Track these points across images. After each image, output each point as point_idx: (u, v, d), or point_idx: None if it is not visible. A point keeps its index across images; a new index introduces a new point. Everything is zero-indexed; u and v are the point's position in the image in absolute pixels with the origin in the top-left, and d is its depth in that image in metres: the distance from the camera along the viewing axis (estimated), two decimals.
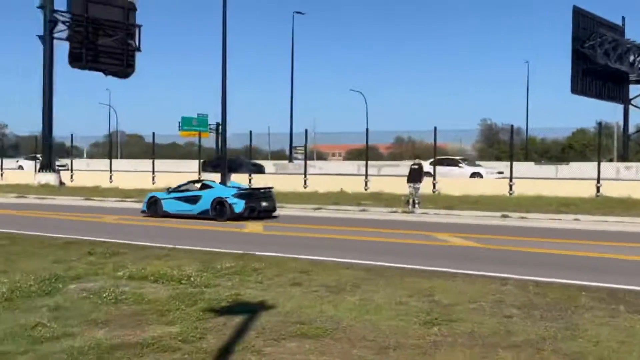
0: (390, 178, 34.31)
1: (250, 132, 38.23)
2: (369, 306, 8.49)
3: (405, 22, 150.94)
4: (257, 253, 13.13)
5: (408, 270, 11.28)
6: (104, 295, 9.03)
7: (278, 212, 23.02)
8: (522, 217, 21.56)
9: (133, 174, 41.53)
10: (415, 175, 25.37)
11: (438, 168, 31.90)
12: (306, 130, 37.79)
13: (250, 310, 8.20)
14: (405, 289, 9.54)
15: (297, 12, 58.58)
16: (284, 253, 13.33)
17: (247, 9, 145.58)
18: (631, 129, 59.00)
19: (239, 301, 8.79)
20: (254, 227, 19.63)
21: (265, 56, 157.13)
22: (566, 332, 7.27)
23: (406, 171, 26.31)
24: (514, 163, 31.81)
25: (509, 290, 9.49)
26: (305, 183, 33.54)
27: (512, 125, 36.71)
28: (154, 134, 41.79)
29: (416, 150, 54.77)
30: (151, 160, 40.31)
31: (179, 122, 62.39)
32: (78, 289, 9.57)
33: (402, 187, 27.24)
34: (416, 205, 24.52)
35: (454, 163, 38.27)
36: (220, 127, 40.07)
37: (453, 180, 32.54)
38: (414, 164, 25.95)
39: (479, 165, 40.54)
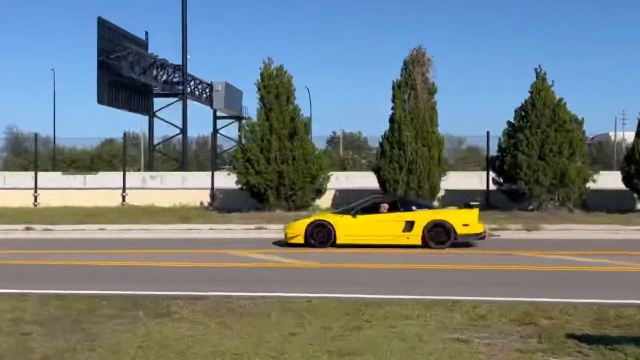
0: None
1: None
2: None
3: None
4: None
5: None
6: None
7: None
8: (47, 229, 20.92)
9: None
10: None
11: None
12: None
13: None
14: None
15: None
16: None
17: None
18: (156, 139, 62.19)
19: None
20: None
21: None
22: (86, 342, 7.23)
23: None
24: (41, 173, 30.83)
25: (29, 306, 9.07)
26: None
27: (36, 134, 35.88)
28: None
29: None
30: None
31: None
32: None
33: None
34: None
35: None
36: None
37: None
38: None
39: None
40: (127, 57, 49.27)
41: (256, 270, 13.57)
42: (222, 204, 26.26)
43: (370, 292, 10.19)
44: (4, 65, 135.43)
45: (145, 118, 59.60)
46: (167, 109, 60.14)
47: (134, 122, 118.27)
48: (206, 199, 27.77)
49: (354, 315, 8.50)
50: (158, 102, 60.02)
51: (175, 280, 12.18)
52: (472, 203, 17.48)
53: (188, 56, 55.37)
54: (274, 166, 23.85)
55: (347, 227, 16.65)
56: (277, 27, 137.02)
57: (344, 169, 48.17)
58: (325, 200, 25.58)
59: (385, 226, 16.60)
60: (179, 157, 61.74)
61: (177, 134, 60.29)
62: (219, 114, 67.68)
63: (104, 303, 9.26)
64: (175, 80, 56.73)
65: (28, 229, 20.94)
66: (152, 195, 28.86)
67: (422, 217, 16.51)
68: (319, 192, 25.01)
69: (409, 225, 16.41)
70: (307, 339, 7.33)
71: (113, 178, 32.77)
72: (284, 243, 16.94)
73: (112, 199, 28.19)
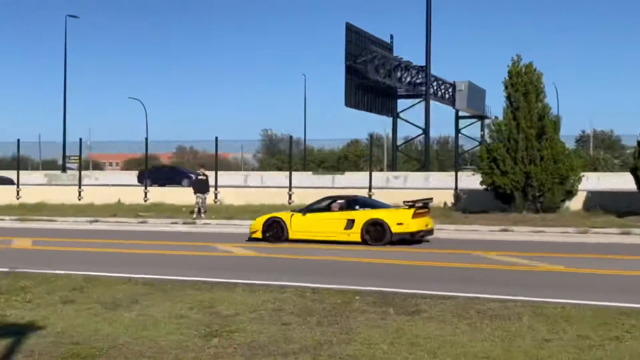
0: (171, 188, 33.82)
1: (19, 140, 35.69)
2: (147, 321, 8.24)
3: (174, 31, 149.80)
4: (25, 270, 12.27)
5: (189, 283, 11.13)
6: None
7: (51, 225, 21.76)
8: None
9: None
10: (202, 186, 25.48)
11: None
12: (80, 139, 36.20)
13: (18, 332, 7.61)
14: (185, 302, 9.40)
15: (70, 16, 55.57)
16: (56, 269, 12.57)
17: (19, 10, 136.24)
18: (399, 140, 63.29)
19: (6, 323, 8.15)
20: (22, 242, 18.33)
21: (35, 60, 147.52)
22: (341, 336, 7.56)
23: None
24: (294, 173, 32.73)
25: (287, 298, 9.70)
26: (80, 194, 31.91)
27: (291, 137, 37.90)
28: None
29: (198, 160, 54.59)
30: None
31: None
32: None
33: (183, 197, 26.95)
34: (202, 215, 24.53)
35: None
36: None
37: (238, 190, 32.78)
38: (200, 175, 25.98)
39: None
40: (372, 60, 50.59)
41: (509, 273, 13.24)
42: (465, 205, 26.00)
43: (629, 301, 9.51)
44: (260, 72, 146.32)
45: (388, 119, 60.84)
46: (409, 110, 60.92)
47: (377, 123, 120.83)
48: (449, 199, 27.60)
49: (612, 324, 7.99)
50: (401, 104, 61.01)
51: (422, 279, 12.32)
52: (406, 202, 17.99)
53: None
54: (520, 166, 23.13)
55: (297, 224, 17.99)
56: (522, 22, 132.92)
57: (595, 169, 45.48)
58: (575, 202, 24.28)
59: (330, 224, 17.80)
60: (420, 157, 62.16)
61: (419, 135, 60.80)
62: (461, 113, 67.17)
63: (356, 298, 9.62)
64: (418, 81, 57.21)
65: None
66: (396, 195, 29.32)
67: (361, 216, 17.53)
68: (569, 194, 23.82)
69: (350, 224, 17.49)
70: (563, 346, 7.02)
71: (358, 177, 33.91)
72: (534, 246, 16.39)
73: None
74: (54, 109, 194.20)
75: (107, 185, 38.71)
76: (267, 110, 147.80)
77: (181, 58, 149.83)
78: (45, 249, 17.20)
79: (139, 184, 34.93)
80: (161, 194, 30.84)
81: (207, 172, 26.62)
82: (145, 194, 31.00)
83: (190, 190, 26.28)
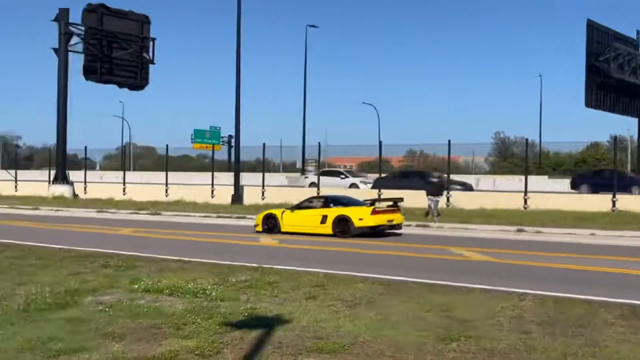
0: (402, 191, 34.18)
1: (264, 144, 38.24)
2: (386, 321, 8.42)
3: (419, 35, 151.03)
4: (272, 266, 13.11)
5: (425, 285, 11.19)
6: (120, 308, 9.01)
7: None
8: (538, 232, 21.40)
9: (146, 186, 41.61)
10: (436, 189, 25.64)
11: (324, 178, 36.96)
12: (319, 143, 37.94)
13: (266, 324, 8.14)
14: (422, 304, 9.46)
15: (311, 26, 58.65)
16: (299, 266, 13.29)
17: (260, 19, 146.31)
18: None
19: (255, 315, 8.74)
20: (268, 240, 19.63)
21: (277, 68, 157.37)
22: (587, 348, 7.17)
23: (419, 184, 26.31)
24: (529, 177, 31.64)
25: (527, 306, 9.39)
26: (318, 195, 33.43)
27: (527, 139, 36.24)
28: (167, 146, 41.98)
29: (428, 164, 54.80)
30: (164, 173, 40.42)
31: (192, 135, 62.65)
32: (94, 302, 9.54)
33: (415, 199, 27.14)
34: (435, 219, 24.62)
35: (336, 174, 42.67)
36: (233, 139, 40.13)
37: (468, 194, 32.41)
38: (434, 178, 26.13)
39: (359, 177, 43.53)
40: (616, 58, 47.42)
41: None
42: None
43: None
44: (493, 73, 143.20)
45: (632, 120, 56.56)
46: None
47: (616, 125, 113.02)
48: None
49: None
50: None
51: None
52: (366, 200, 21.60)
53: None
54: None
55: (287, 219, 21.56)
56: None
57: None
58: None
59: (310, 219, 21.08)
60: None
61: None
62: None
63: (601, 310, 9.06)
64: None
65: (519, 230, 21.70)
66: None
67: (332, 212, 20.76)
68: None
69: (324, 219, 20.69)
70: None
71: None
72: None
73: (599, 204, 27.49)
74: (294, 113, 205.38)
75: (342, 187, 40.12)
76: (499, 113, 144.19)
77: (412, 61, 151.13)
78: (289, 247, 18.22)
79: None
80: (392, 196, 31.27)
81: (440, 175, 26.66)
82: (379, 196, 31.68)
83: (422, 193, 26.51)
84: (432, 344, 7.37)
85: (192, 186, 39.32)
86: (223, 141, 64.38)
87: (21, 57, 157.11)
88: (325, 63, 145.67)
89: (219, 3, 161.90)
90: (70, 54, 41.69)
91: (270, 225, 21.71)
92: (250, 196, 35.03)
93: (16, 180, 45.97)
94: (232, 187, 35.64)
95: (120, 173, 45.43)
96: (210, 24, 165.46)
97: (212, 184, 37.40)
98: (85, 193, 41.58)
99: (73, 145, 43.42)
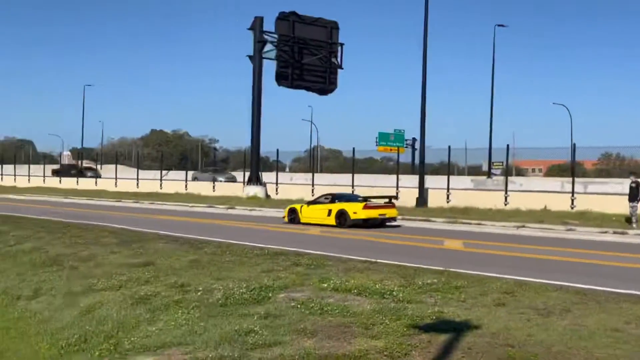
0: (599, 196, 32.31)
1: (449, 147, 37.79)
2: (581, 332, 8.01)
3: (612, 31, 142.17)
4: (458, 270, 12.92)
5: (623, 295, 10.51)
6: (311, 305, 9.31)
7: (479, 229, 22.62)
8: None
9: (333, 188, 42.60)
10: (633, 193, 24.15)
11: None
12: (507, 146, 36.78)
13: (454, 329, 8.05)
14: (621, 315, 8.90)
15: (499, 25, 57.21)
16: (486, 272, 12.99)
17: (445, 21, 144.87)
18: None
19: (442, 319, 8.67)
20: (453, 243, 19.37)
21: (463, 68, 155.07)
22: None
23: (617, 189, 24.84)
24: None
25: None
26: (505, 200, 32.52)
27: None
28: (354, 149, 42.70)
29: (625, 167, 51.35)
30: (349, 175, 41.17)
31: (376, 138, 63.45)
32: (286, 298, 9.94)
33: (612, 205, 25.59)
34: (634, 225, 23.17)
35: None
36: (416, 142, 40.03)
37: None
38: (632, 182, 24.58)
39: None
40: None
41: None
42: None
43: None
44: None
45: None
46: None
47: None
48: None
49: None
50: None
51: None
52: (359, 197, 26.43)
53: None
54: None
55: (304, 212, 25.78)
56: None
57: None
58: None
59: (319, 212, 25.26)
60: None
61: None
62: None
63: None
64: None
65: None
66: None
67: (335, 207, 24.76)
68: None
69: (329, 212, 24.75)
70: None
71: None
72: None
73: None
74: (479, 115, 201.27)
75: (531, 191, 38.72)
76: None
77: (608, 58, 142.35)
78: (475, 251, 17.88)
79: (563, 191, 34.23)
80: (589, 202, 29.74)
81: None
82: (572, 201, 30.24)
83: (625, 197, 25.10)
84: (632, 358, 6.91)
85: (376, 188, 39.72)
86: (407, 144, 64.59)
87: (218, 65, 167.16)
88: (513, 63, 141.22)
89: (404, 4, 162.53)
90: (263, 60, 43.64)
91: (293, 217, 26.08)
92: (435, 199, 34.76)
93: (214, 181, 48.95)
94: (416, 190, 35.56)
95: (309, 175, 46.91)
96: (395, 26, 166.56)
97: (397, 186, 37.56)
98: (276, 194, 43.36)
99: (264, 148, 45.35)
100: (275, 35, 43.76)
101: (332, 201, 25.47)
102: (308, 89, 46.18)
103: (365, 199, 25.68)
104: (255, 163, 43.84)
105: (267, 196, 42.69)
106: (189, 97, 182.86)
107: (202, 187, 48.57)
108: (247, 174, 44.25)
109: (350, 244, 18.93)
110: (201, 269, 12.96)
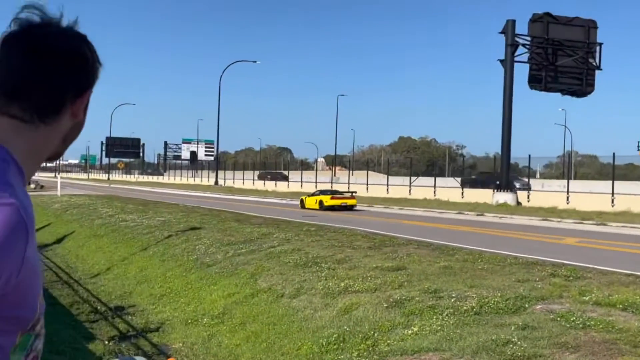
0: None
1: None
2: None
3: None
4: None
5: None
6: (571, 319, 8.88)
7: None
8: None
9: (589, 195, 40.28)
10: None
11: None
12: None
13: None
14: None
15: None
16: None
17: None
18: None
19: None
20: None
21: None
22: None
23: None
24: None
25: None
26: None
27: None
28: (614, 154, 39.96)
29: None
30: (606, 181, 38.68)
31: (638, 142, 58.90)
32: (544, 309, 9.59)
33: None
34: None
35: None
36: None
37: None
38: None
39: None
40: None
41: None
42: None
43: None
44: None
45: None
46: None
47: None
48: None
49: None
50: None
51: None
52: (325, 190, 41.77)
53: None
54: None
55: (308, 201, 39.45)
56: None
57: None
58: None
59: (314, 201, 38.54)
60: None
61: None
62: None
63: None
64: None
65: None
66: None
67: (318, 198, 38.34)
68: None
69: (317, 202, 38.24)
70: None
71: None
72: None
73: None
74: None
75: None
76: None
77: None
78: None
79: None
80: None
81: None
82: None
83: None
84: None
85: (638, 196, 36.85)
86: None
87: (466, 71, 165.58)
88: None
89: None
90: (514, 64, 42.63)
91: (301, 205, 39.90)
92: None
93: (462, 187, 48.62)
94: None
95: (561, 181, 44.95)
96: None
97: None
98: (528, 201, 41.96)
99: (512, 153, 44.05)
100: (528, 38, 42.53)
101: (320, 194, 39.67)
102: (562, 91, 44.22)
103: (334, 192, 40.99)
104: (505, 169, 42.85)
105: (518, 203, 41.48)
106: (437, 103, 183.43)
107: (450, 194, 48.50)
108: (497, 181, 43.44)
109: (614, 256, 17.72)
110: (453, 276, 12.93)
